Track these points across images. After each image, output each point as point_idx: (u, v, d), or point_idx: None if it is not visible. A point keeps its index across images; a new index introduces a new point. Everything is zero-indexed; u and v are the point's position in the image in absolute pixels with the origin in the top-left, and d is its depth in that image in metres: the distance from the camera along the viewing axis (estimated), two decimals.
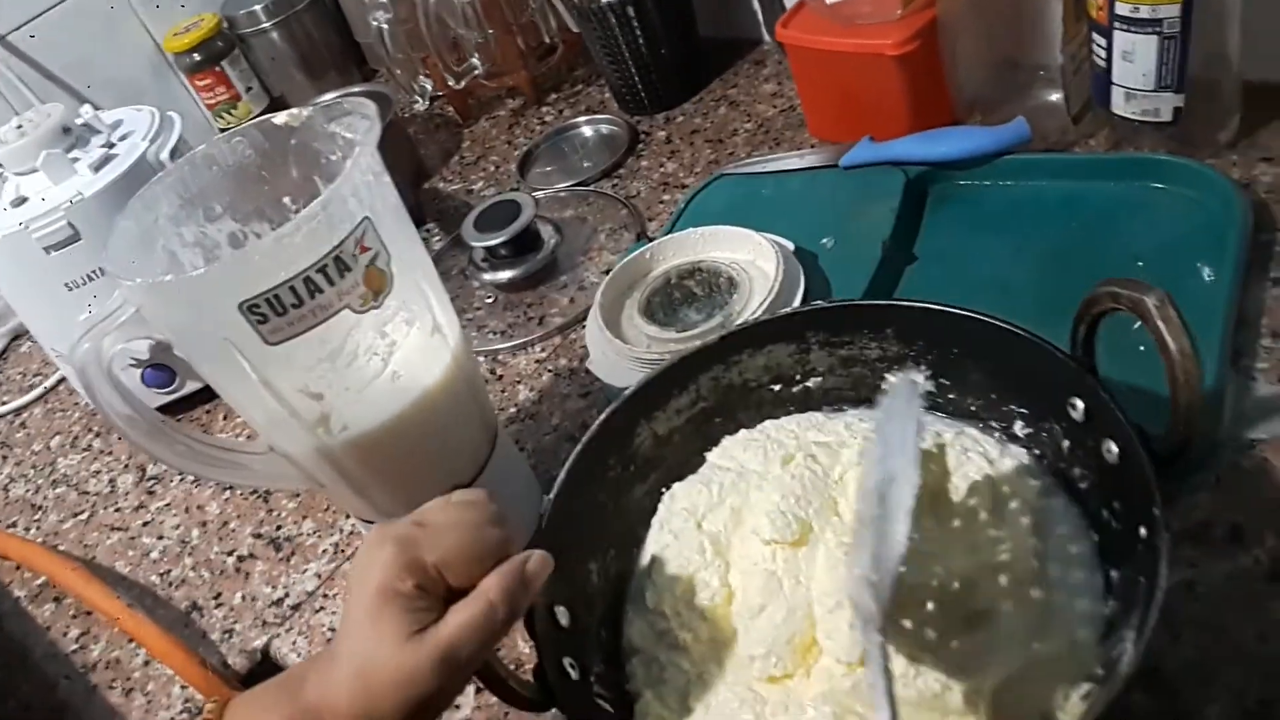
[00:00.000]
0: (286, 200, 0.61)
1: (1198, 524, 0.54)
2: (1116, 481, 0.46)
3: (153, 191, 0.58)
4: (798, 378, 0.59)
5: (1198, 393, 0.41)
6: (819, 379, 0.59)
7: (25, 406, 1.05)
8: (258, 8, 1.29)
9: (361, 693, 0.41)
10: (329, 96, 1.15)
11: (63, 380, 1.06)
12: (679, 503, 0.56)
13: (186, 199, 0.60)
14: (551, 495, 0.53)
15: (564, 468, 0.54)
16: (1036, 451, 0.53)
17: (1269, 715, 0.46)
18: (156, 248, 0.58)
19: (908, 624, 0.45)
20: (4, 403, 1.06)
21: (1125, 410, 0.45)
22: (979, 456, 0.52)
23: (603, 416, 0.56)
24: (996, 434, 0.55)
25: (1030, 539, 0.49)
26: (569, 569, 0.52)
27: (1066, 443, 0.51)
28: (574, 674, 0.49)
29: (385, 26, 1.09)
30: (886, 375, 0.49)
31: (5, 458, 1.00)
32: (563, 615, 0.50)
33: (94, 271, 0.83)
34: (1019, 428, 0.54)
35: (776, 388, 0.60)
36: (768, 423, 0.59)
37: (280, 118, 0.59)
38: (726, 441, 0.58)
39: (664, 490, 0.58)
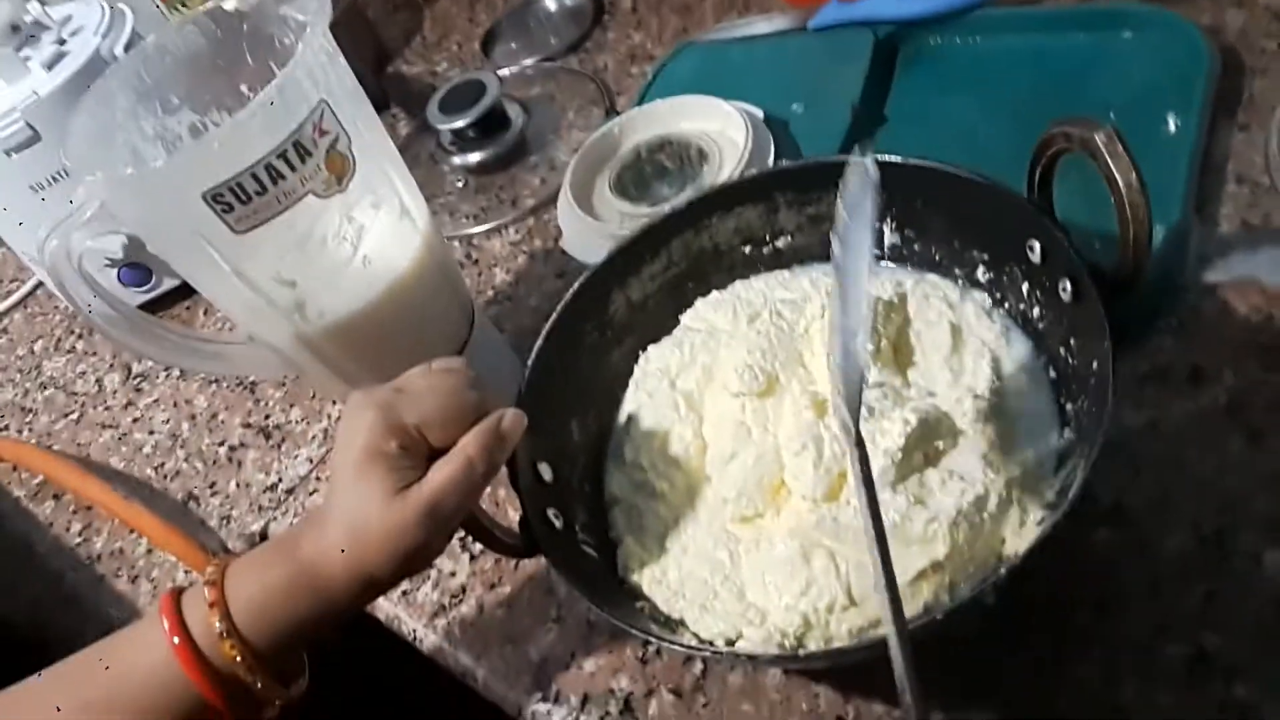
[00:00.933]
0: (244, 88, 0.61)
1: (1160, 367, 0.55)
2: (1072, 319, 0.48)
3: (106, 86, 0.57)
4: (767, 238, 0.60)
5: (1145, 224, 0.42)
6: (788, 238, 0.60)
7: (4, 313, 1.05)
8: None
9: (354, 547, 0.43)
10: None
11: (40, 285, 1.05)
12: (653, 364, 0.58)
13: (142, 92, 0.59)
14: (530, 360, 0.55)
15: (541, 334, 0.56)
16: (998, 295, 0.55)
17: (1221, 542, 0.49)
18: (117, 143, 0.58)
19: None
20: None
21: (1078, 248, 0.46)
22: (940, 301, 0.54)
23: (577, 285, 0.57)
24: (959, 280, 0.56)
25: (989, 376, 0.51)
26: (550, 428, 0.54)
27: (1026, 285, 0.52)
28: (558, 524, 0.51)
29: None
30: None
31: None
32: (545, 471, 0.53)
33: (59, 172, 0.82)
34: (980, 273, 0.55)
35: (747, 249, 0.61)
36: (737, 283, 0.60)
37: (230, 3, 0.58)
38: (699, 303, 0.60)
39: (640, 353, 0.60)
